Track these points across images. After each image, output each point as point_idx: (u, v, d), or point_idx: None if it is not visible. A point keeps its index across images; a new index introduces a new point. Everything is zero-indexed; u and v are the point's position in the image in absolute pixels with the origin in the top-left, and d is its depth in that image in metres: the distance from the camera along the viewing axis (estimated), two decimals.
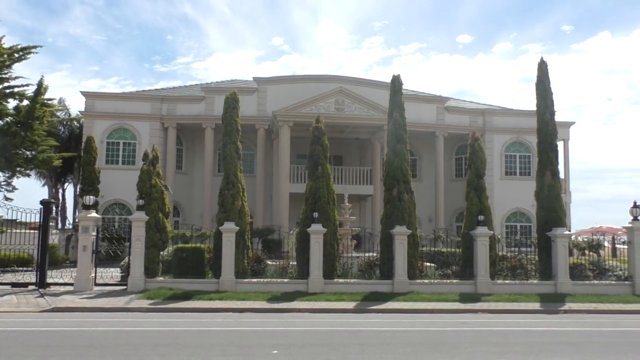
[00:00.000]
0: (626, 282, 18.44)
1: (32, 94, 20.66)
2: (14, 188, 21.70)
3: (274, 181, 30.49)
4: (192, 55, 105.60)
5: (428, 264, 20.13)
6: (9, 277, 18.14)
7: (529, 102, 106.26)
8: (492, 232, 18.19)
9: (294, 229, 23.31)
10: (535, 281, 18.50)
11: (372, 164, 31.04)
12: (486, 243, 18.04)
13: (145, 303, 14.48)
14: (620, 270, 19.19)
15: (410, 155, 35.09)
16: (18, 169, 21.36)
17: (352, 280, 17.86)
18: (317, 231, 17.49)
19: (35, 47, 20.25)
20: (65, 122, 34.36)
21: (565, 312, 14.95)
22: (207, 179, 30.44)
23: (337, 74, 31.20)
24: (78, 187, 30.82)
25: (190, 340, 9.49)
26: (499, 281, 18.22)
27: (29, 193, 66.13)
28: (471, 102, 36.48)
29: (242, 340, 9.72)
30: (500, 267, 19.06)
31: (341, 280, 17.72)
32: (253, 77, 30.98)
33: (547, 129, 19.70)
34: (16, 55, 19.66)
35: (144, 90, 32.67)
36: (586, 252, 21.55)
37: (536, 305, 15.56)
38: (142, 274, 16.87)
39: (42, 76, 20.34)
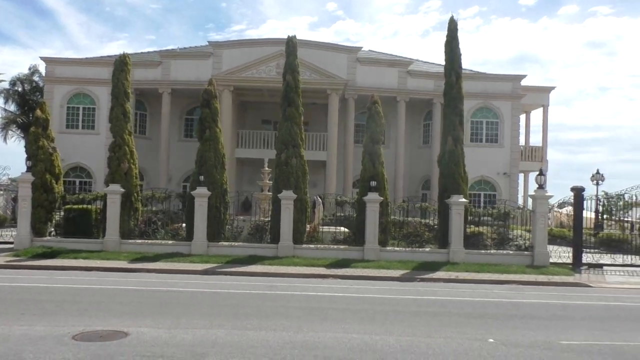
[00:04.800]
0: (525, 253, 17.70)
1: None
2: None
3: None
4: (246, 23, 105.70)
5: (343, 229, 19.88)
6: None
7: (596, 68, 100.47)
8: (382, 198, 17.70)
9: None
10: (427, 249, 18.01)
11: (328, 130, 30.38)
12: (376, 209, 17.63)
13: (3, 260, 15.03)
14: (523, 240, 18.37)
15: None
16: None
17: (236, 244, 17.91)
18: (201, 194, 17.55)
19: None
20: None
21: (422, 279, 14.53)
22: (164, 143, 30.79)
23: (299, 38, 30.47)
24: None
25: None
26: (389, 248, 17.85)
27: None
28: (437, 64, 34.95)
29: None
30: (392, 234, 18.66)
31: (226, 244, 17.79)
32: (208, 41, 30.87)
33: (451, 92, 18.89)
34: None
35: (102, 56, 33.05)
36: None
37: (400, 273, 15.17)
38: (28, 233, 17.46)
39: None
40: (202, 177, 17.66)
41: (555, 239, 24.72)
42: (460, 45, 19.17)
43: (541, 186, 17.94)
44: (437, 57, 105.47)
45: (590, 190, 31.53)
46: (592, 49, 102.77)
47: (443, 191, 18.31)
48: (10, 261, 14.95)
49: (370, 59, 31.16)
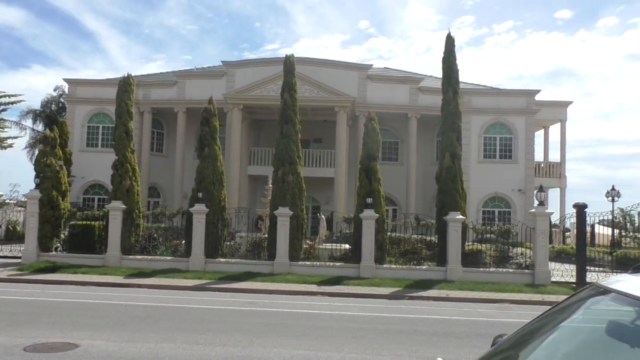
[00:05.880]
0: (526, 271, 17.37)
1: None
2: None
3: (233, 164, 30.75)
4: (279, 42, 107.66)
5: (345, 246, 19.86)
6: None
7: (636, 81, 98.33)
8: (377, 215, 17.66)
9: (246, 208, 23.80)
10: (425, 267, 17.85)
11: (336, 147, 30.49)
12: (372, 226, 17.60)
13: (5, 273, 15.61)
14: (525, 258, 18.02)
15: (392, 138, 34.84)
16: None
17: (234, 260, 18.12)
18: (199, 211, 17.88)
19: None
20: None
21: (411, 297, 14.41)
22: (179, 161, 31.45)
23: (305, 56, 30.95)
24: None
25: None
26: (385, 265, 17.76)
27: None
28: None
29: None
30: (391, 250, 18.58)
31: (223, 260, 18.02)
32: (221, 61, 31.60)
33: (449, 108, 18.80)
34: None
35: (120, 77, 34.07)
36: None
37: (390, 291, 15.08)
38: (34, 248, 18.07)
39: None
40: (201, 194, 18.00)
41: (571, 257, 24.11)
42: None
43: (541, 202, 17.65)
44: (469, 72, 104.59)
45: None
46: (633, 62, 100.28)
47: (441, 208, 18.19)
48: (12, 275, 15.51)
49: (380, 76, 31.28)
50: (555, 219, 31.43)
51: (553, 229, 31.31)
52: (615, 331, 1.78)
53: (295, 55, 30.38)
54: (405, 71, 34.72)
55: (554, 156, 35.24)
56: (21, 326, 8.67)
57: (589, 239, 26.88)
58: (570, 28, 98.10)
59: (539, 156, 34.31)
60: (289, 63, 18.94)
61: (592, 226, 26.26)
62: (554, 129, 36.05)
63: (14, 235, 24.47)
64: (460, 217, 17.57)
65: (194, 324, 9.36)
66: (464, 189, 18.35)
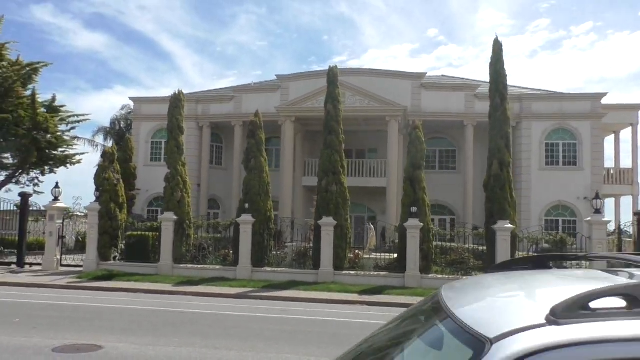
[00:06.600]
0: None
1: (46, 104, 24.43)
2: (39, 182, 25.59)
3: (286, 175, 31.10)
4: (347, 54, 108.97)
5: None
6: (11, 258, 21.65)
7: None
8: (422, 224, 17.38)
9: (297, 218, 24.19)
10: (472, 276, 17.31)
11: (388, 156, 30.24)
12: (416, 235, 17.36)
13: (65, 281, 16.66)
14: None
15: (448, 147, 34.18)
16: (46, 167, 25.20)
17: (279, 269, 18.39)
18: (246, 221, 18.33)
19: (39, 63, 23.78)
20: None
21: None
22: (237, 173, 32.28)
23: (359, 67, 31.13)
24: None
25: None
26: (431, 275, 17.43)
27: None
28: (514, 86, 33.58)
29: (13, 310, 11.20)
30: (439, 260, 18.20)
31: (269, 269, 18.34)
32: (275, 75, 32.28)
33: (496, 115, 18.20)
34: (24, 71, 23.20)
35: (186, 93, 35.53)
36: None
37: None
38: (95, 257, 19.15)
39: (35, 89, 23.44)
40: (247, 204, 18.45)
41: None
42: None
43: (598, 210, 16.71)
44: (545, 77, 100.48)
45: None
46: None
47: (489, 217, 17.62)
48: (71, 282, 16.53)
49: (434, 84, 30.83)
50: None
51: (626, 239, 29.48)
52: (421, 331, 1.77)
53: (354, 67, 30.74)
54: (461, 78, 34.06)
55: (627, 162, 33.24)
56: (59, 329, 9.26)
57: None
58: None
59: (609, 162, 32.57)
60: (332, 74, 19.15)
61: None
62: (626, 134, 34.05)
63: (76, 246, 25.98)
64: (509, 226, 16.95)
65: (219, 330, 9.61)
66: (514, 198, 17.69)
